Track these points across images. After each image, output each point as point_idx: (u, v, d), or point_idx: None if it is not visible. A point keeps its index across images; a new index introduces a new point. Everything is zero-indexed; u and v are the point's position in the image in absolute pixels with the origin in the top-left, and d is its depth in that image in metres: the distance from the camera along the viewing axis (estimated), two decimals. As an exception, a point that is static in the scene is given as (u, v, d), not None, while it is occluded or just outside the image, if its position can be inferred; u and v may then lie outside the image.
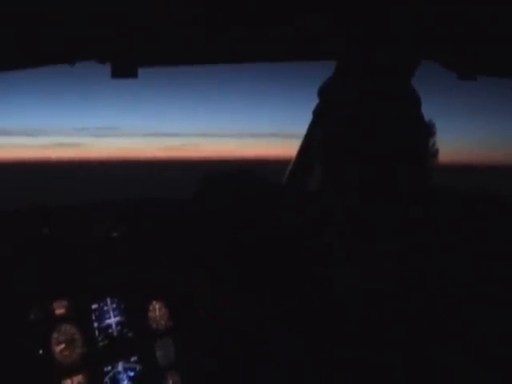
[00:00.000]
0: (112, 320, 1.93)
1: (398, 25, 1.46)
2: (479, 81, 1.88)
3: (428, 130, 1.23)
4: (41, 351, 1.71)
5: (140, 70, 1.65)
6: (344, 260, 1.26)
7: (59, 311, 1.80)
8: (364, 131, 1.16)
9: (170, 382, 2.01)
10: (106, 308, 1.93)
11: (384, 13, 1.37)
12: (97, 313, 1.90)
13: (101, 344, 1.88)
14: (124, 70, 1.58)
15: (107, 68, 1.61)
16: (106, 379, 1.86)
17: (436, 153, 1.24)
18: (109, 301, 1.94)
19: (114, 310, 1.95)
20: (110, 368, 1.86)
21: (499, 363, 1.10)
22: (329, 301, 1.29)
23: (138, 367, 1.94)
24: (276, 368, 1.49)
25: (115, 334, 1.93)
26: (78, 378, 1.77)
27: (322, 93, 1.25)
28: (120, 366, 1.89)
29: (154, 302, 2.05)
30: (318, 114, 1.27)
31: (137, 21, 1.36)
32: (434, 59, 1.77)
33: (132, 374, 1.92)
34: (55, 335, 1.76)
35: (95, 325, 1.88)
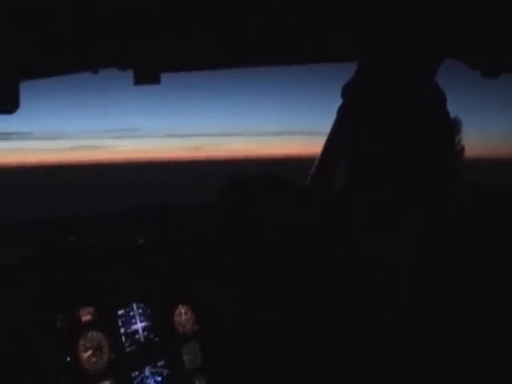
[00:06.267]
0: (138, 325, 1.93)
1: (420, 23, 1.44)
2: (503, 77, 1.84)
3: (454, 126, 1.21)
4: (68, 358, 1.72)
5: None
6: (369, 259, 1.25)
7: (85, 318, 1.81)
8: (389, 130, 1.14)
9: (198, 386, 2.01)
10: (132, 313, 1.93)
11: (406, 11, 1.35)
12: (123, 318, 1.90)
13: (127, 349, 1.89)
14: (147, 76, 1.57)
15: (128, 71, 1.60)
16: (134, 384, 1.86)
17: (462, 149, 1.22)
18: (135, 306, 1.94)
19: (140, 315, 1.95)
20: (137, 373, 1.87)
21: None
22: (355, 298, 1.28)
23: (165, 372, 1.93)
24: (302, 370, 1.48)
25: (142, 339, 1.93)
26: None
27: (345, 92, 1.24)
28: (147, 371, 1.89)
29: (180, 307, 2.05)
30: (342, 113, 1.26)
31: (158, 27, 1.36)
32: (457, 57, 1.75)
33: (159, 378, 1.92)
34: (82, 342, 1.77)
35: (121, 330, 1.89)
